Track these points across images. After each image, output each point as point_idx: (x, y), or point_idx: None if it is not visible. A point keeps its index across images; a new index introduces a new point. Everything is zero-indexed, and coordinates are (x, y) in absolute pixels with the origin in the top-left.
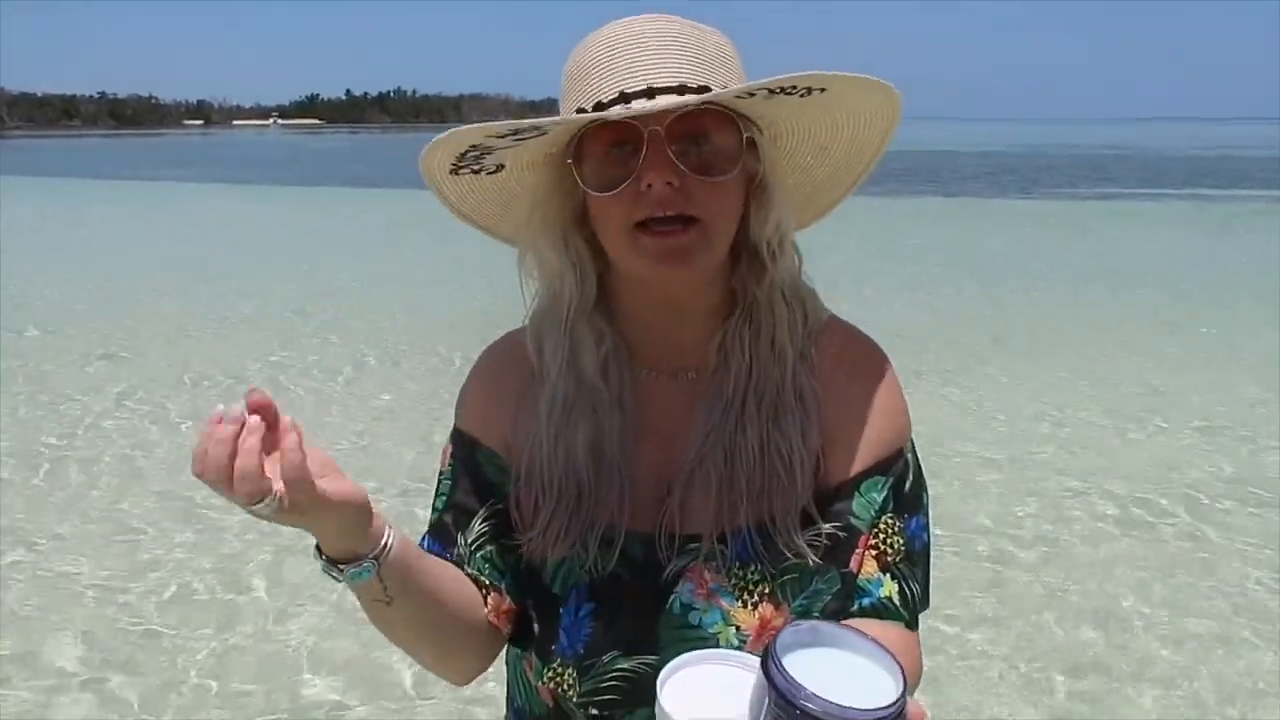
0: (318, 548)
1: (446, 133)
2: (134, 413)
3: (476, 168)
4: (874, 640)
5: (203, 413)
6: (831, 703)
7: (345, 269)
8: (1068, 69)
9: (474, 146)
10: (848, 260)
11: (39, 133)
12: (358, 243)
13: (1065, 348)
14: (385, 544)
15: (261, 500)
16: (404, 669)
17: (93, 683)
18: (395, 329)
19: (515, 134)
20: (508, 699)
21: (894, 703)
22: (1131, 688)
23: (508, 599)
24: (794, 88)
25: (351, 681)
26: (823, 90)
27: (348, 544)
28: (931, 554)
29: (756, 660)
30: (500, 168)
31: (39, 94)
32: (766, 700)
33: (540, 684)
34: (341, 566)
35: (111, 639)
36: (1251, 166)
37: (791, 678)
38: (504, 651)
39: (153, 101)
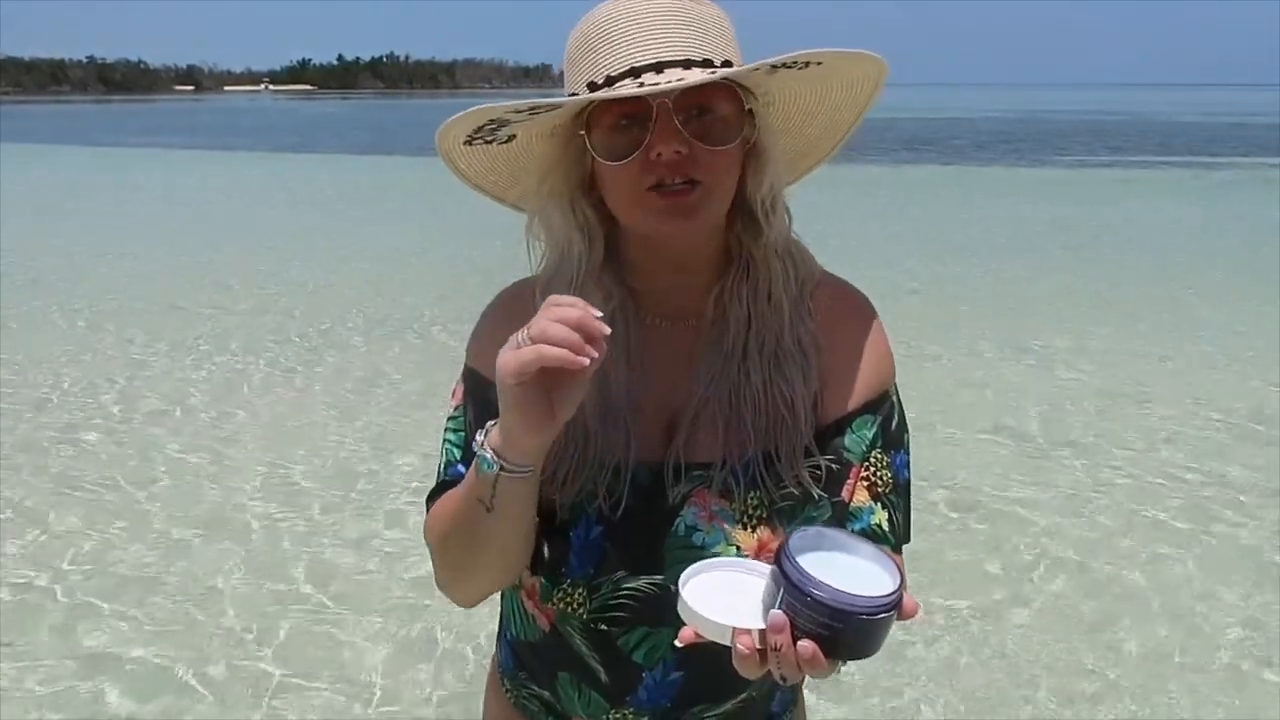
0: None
1: (471, 109)
2: (115, 386)
3: (490, 139)
4: (872, 543)
5: (181, 379)
6: (838, 590)
7: (336, 236)
8: (1067, 32)
9: (492, 120)
10: (853, 227)
11: (27, 98)
12: (348, 209)
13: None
14: (519, 469)
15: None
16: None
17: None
18: (385, 296)
19: (532, 110)
20: (499, 632)
21: (893, 593)
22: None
23: None
24: (795, 63)
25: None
26: (819, 64)
27: (509, 444)
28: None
29: (765, 567)
30: (512, 138)
31: (27, 59)
32: (781, 591)
33: (547, 606)
34: (484, 453)
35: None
36: (1258, 133)
37: (804, 569)
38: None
39: (142, 66)
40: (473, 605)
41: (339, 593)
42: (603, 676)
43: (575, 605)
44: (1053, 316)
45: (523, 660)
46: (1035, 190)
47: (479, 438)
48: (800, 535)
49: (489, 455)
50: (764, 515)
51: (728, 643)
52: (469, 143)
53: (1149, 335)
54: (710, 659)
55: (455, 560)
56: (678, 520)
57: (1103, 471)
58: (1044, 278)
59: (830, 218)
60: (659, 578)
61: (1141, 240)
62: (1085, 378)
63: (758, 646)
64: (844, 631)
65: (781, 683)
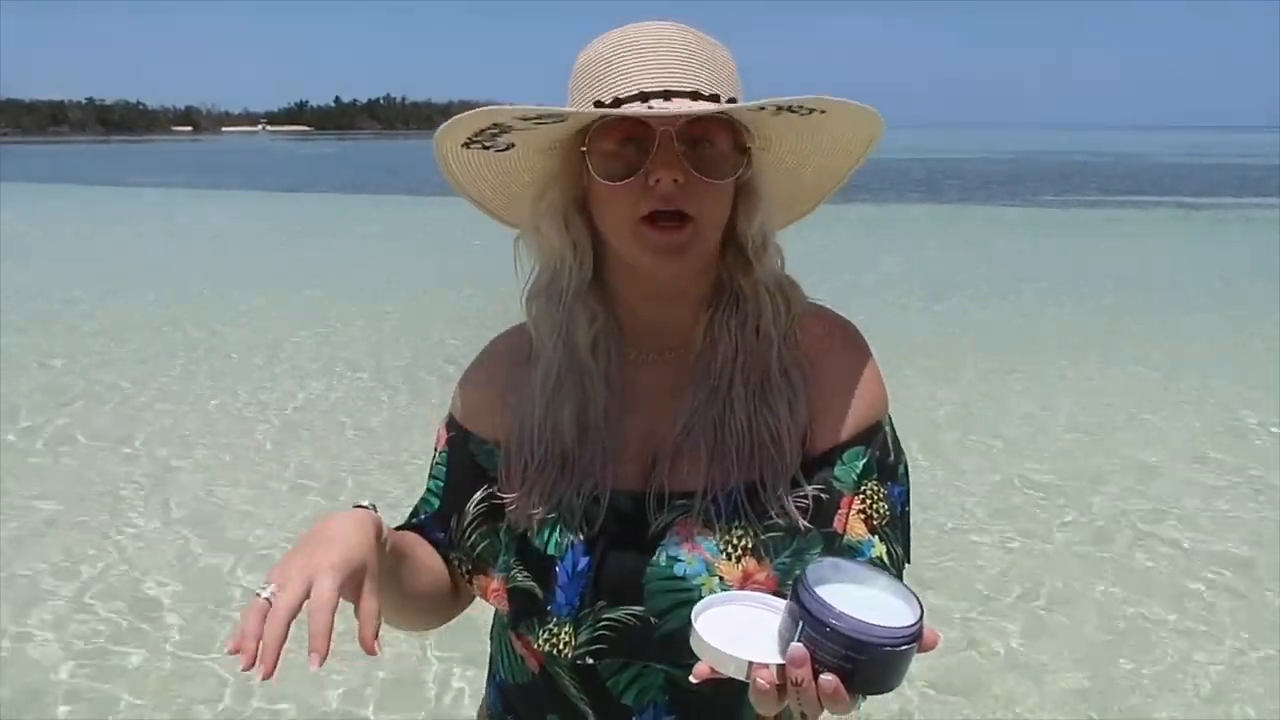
0: None
1: (478, 109)
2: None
3: (488, 144)
4: (890, 574)
5: (173, 430)
6: (860, 621)
7: (326, 275)
8: (1054, 75)
9: (495, 125)
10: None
11: (27, 139)
12: (340, 248)
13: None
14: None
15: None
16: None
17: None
18: (375, 337)
19: (539, 118)
20: (489, 675)
21: (914, 624)
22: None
23: (496, 578)
24: (800, 107)
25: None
26: (823, 112)
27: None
28: (912, 522)
29: (777, 601)
30: (510, 147)
31: (26, 100)
32: (800, 624)
33: (537, 647)
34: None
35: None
36: (1241, 174)
37: (823, 600)
38: (490, 626)
39: (141, 107)
40: (421, 631)
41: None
42: (592, 719)
43: (562, 644)
44: (1046, 352)
45: (511, 703)
46: (1026, 229)
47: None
48: (816, 567)
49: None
50: (749, 546)
51: (743, 678)
52: (467, 145)
53: (1140, 369)
54: (703, 702)
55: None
56: (659, 550)
57: (1092, 506)
58: (1037, 315)
59: (827, 255)
60: (638, 609)
61: (1132, 278)
62: (1075, 411)
63: (776, 681)
64: (866, 664)
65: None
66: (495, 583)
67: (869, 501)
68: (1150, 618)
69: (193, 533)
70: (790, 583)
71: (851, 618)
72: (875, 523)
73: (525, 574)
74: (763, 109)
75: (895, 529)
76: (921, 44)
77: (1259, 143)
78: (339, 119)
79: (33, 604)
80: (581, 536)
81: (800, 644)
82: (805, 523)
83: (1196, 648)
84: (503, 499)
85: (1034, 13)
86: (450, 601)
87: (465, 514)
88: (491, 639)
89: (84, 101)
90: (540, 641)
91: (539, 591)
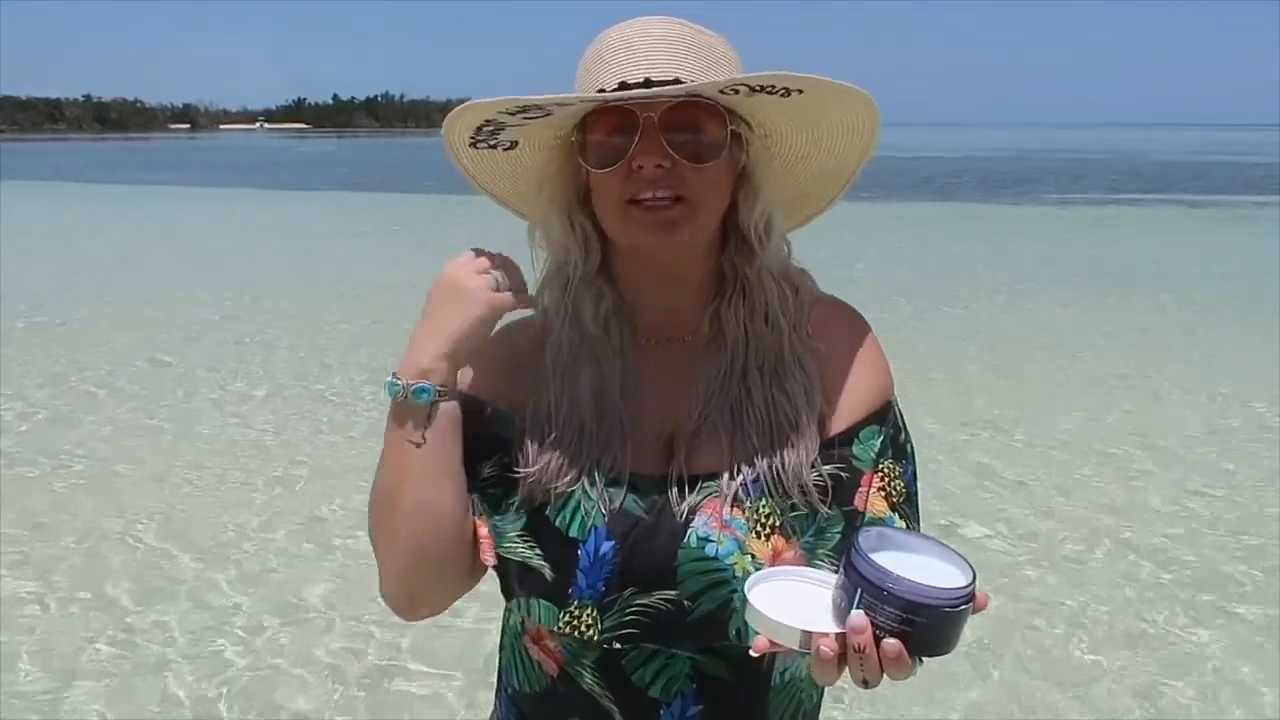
0: (394, 374)
1: (463, 105)
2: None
3: (493, 143)
4: (936, 540)
5: (171, 416)
6: (918, 584)
7: (316, 273)
8: (1059, 73)
9: (488, 121)
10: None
11: (23, 136)
12: (333, 246)
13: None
14: (449, 389)
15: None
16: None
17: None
18: (364, 334)
19: (524, 111)
20: (498, 689)
21: (968, 584)
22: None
23: (487, 525)
24: (773, 87)
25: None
26: (800, 92)
27: (436, 363)
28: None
29: (819, 574)
30: (514, 144)
31: (23, 97)
32: (859, 591)
33: (554, 631)
34: (418, 384)
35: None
36: (1244, 172)
37: (880, 565)
38: (500, 637)
39: (138, 105)
40: (418, 612)
41: (330, 651)
42: (617, 717)
43: (584, 627)
44: (1045, 348)
45: (525, 713)
46: (1026, 226)
47: (397, 381)
48: (865, 536)
49: (425, 384)
50: (776, 524)
51: (800, 648)
52: (473, 145)
53: (1138, 364)
54: (730, 690)
55: (395, 527)
56: (689, 533)
57: (1083, 508)
58: (1036, 311)
59: (825, 253)
60: (672, 593)
61: (1132, 273)
62: (1074, 409)
63: (838, 650)
64: (925, 626)
65: (863, 687)
66: (485, 530)
67: (887, 479)
68: (1146, 617)
69: (163, 538)
70: (816, 560)
71: (909, 581)
72: (894, 500)
73: (538, 554)
74: (737, 92)
75: (910, 506)
76: (922, 41)
77: (1264, 141)
78: (337, 117)
79: (2, 607)
80: (604, 520)
81: (861, 610)
82: (826, 510)
83: (1181, 654)
84: (515, 474)
85: (1037, 10)
86: (470, 563)
87: (476, 478)
88: (501, 650)
89: (81, 99)
90: (561, 624)
91: (549, 573)
